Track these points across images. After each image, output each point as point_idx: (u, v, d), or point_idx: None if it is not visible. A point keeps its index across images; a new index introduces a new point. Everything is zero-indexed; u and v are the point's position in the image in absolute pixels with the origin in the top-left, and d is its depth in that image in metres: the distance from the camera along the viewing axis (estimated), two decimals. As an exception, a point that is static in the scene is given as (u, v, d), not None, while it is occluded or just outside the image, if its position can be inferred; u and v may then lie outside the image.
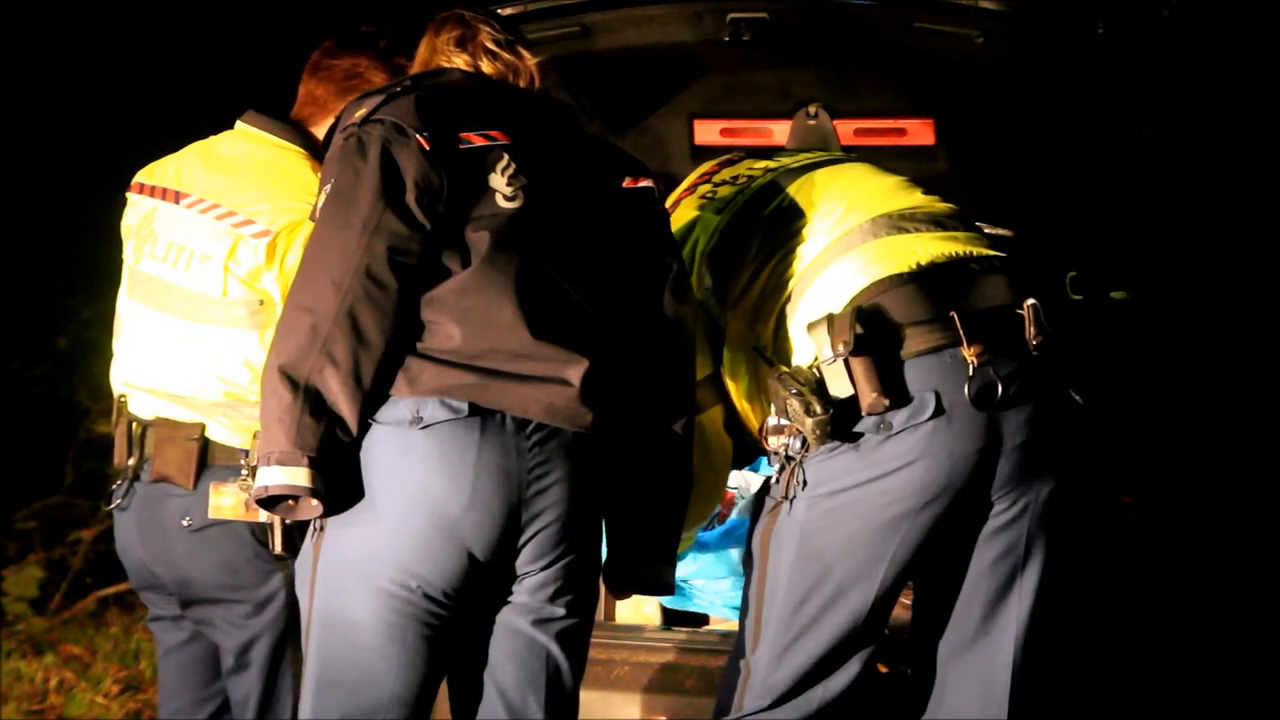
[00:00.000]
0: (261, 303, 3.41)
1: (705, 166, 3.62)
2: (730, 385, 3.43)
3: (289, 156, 3.52)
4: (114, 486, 3.57)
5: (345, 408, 2.92)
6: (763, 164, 3.52)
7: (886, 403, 3.09)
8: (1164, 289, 4.22)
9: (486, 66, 3.19)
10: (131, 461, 3.52)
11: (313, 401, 2.91)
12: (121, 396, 3.56)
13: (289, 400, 2.90)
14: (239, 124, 3.60)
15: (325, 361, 2.91)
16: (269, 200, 3.43)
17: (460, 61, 3.19)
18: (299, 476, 2.89)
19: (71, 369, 7.32)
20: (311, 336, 2.91)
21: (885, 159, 3.60)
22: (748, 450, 3.66)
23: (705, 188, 3.51)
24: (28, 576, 7.04)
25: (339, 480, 2.94)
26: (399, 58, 3.56)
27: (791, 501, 3.20)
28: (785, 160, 3.52)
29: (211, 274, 3.43)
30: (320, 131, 3.56)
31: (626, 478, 3.19)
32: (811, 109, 4.49)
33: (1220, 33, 4.56)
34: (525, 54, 3.22)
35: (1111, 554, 3.86)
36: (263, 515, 3.24)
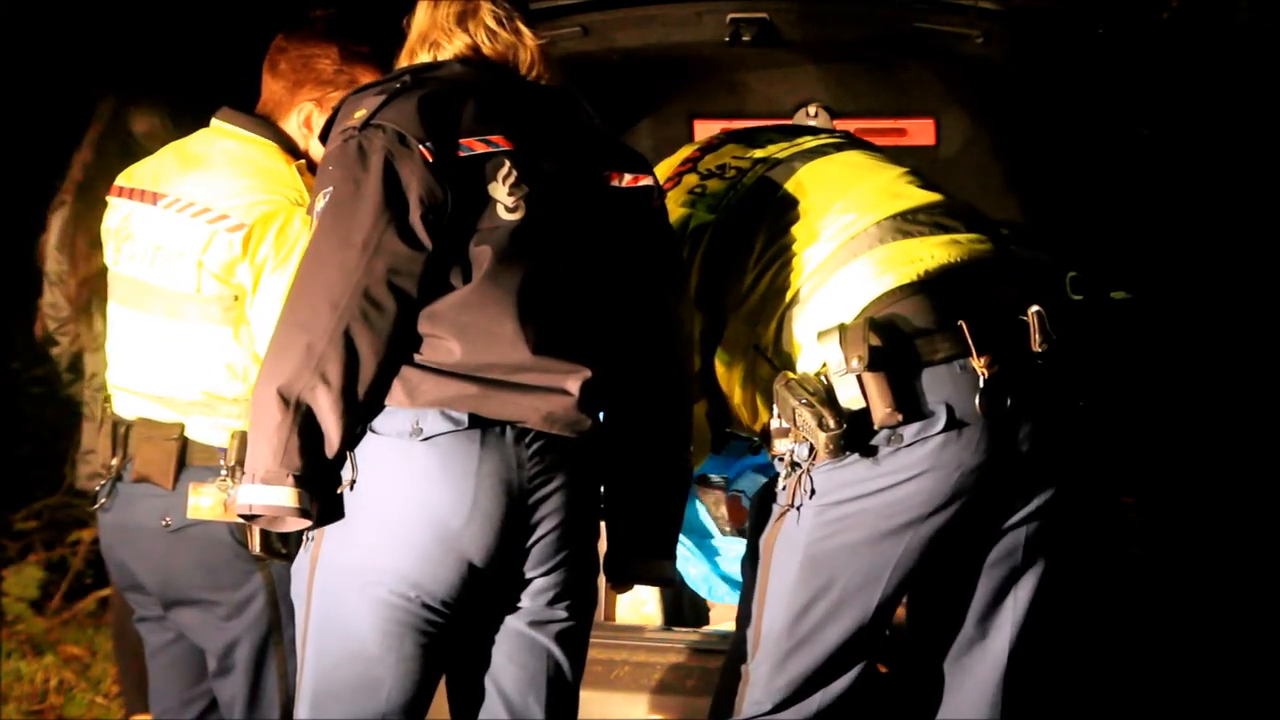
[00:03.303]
0: (235, 298, 3.41)
1: (686, 151, 3.56)
2: (723, 381, 3.41)
3: (261, 149, 3.52)
4: (98, 487, 3.58)
5: (332, 425, 2.90)
6: (749, 152, 3.46)
7: (900, 417, 3.08)
8: (1164, 289, 4.22)
9: (486, 46, 3.11)
10: (114, 462, 3.53)
11: (303, 420, 2.88)
12: (107, 397, 3.58)
13: (279, 419, 2.87)
14: (214, 121, 3.61)
15: (318, 380, 2.88)
16: (243, 194, 3.43)
17: (460, 41, 3.10)
18: (282, 496, 2.88)
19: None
20: (306, 355, 2.88)
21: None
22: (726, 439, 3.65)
23: (692, 179, 3.45)
24: (28, 576, 7.02)
25: (327, 494, 2.93)
26: (359, 48, 3.55)
27: (799, 510, 3.19)
28: (773, 149, 3.45)
29: (185, 271, 3.43)
30: (287, 126, 3.56)
31: (626, 473, 3.18)
32: (811, 109, 4.48)
33: (1220, 32, 4.57)
34: (526, 32, 3.14)
35: (1111, 554, 3.86)
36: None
